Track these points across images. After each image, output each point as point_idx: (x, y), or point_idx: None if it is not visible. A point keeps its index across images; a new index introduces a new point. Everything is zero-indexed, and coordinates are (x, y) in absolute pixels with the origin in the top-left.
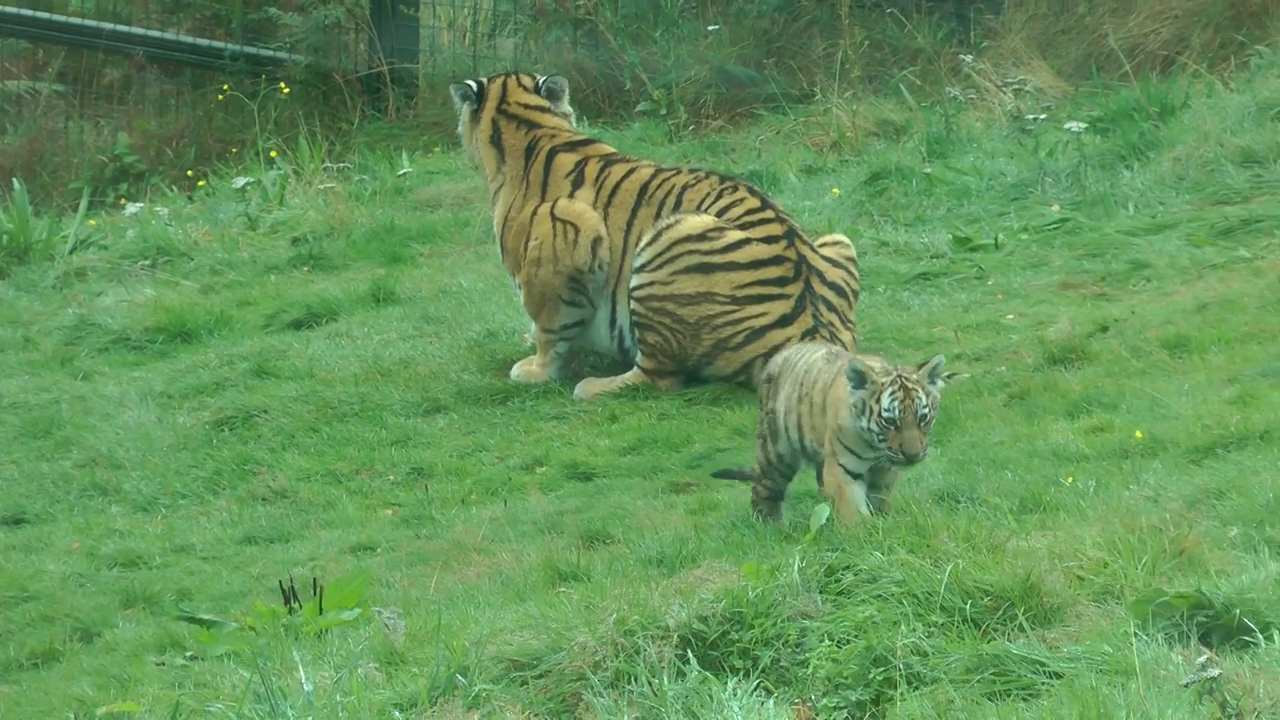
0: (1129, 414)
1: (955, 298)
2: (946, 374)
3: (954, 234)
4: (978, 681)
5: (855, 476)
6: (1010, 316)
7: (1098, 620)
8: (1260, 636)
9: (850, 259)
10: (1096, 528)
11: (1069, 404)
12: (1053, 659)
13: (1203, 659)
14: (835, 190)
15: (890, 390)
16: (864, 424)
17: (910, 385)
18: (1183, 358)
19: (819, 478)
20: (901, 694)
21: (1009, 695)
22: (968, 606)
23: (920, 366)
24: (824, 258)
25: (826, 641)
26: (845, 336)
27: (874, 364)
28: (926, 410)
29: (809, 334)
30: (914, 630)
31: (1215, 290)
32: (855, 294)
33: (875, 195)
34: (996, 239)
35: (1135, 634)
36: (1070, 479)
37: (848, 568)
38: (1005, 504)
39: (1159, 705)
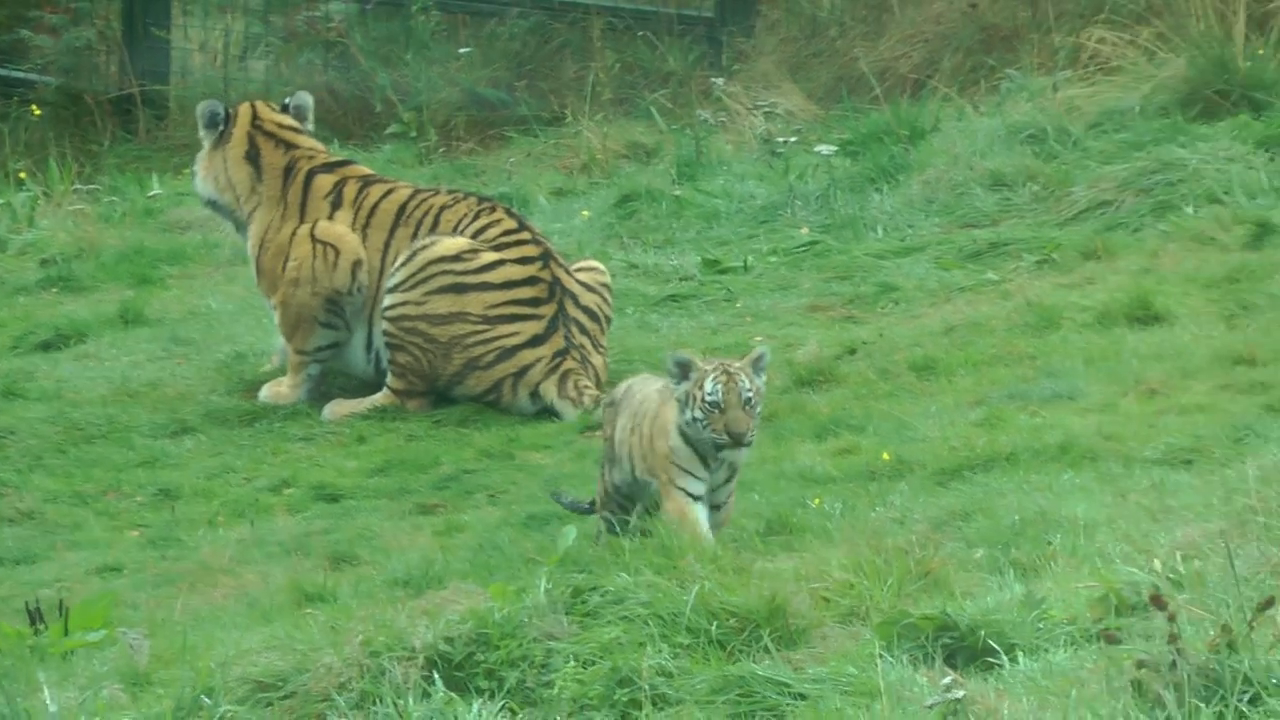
0: (876, 436)
1: (704, 320)
2: None
3: (703, 256)
4: (723, 702)
5: (696, 498)
6: (759, 339)
7: (843, 641)
8: (1005, 658)
9: (604, 285)
10: (843, 549)
11: (816, 426)
12: (798, 680)
13: (947, 680)
14: (585, 213)
15: (713, 375)
16: (689, 415)
17: (732, 371)
18: (930, 380)
19: (661, 508)
20: (647, 715)
21: (754, 716)
22: (714, 628)
23: (743, 358)
24: (579, 282)
25: (572, 663)
26: (597, 360)
27: (694, 357)
28: (750, 394)
29: (560, 355)
30: (660, 651)
31: (963, 313)
32: (608, 319)
33: (625, 217)
34: (745, 261)
35: (880, 655)
36: (817, 501)
37: (594, 589)
38: (752, 526)
39: None
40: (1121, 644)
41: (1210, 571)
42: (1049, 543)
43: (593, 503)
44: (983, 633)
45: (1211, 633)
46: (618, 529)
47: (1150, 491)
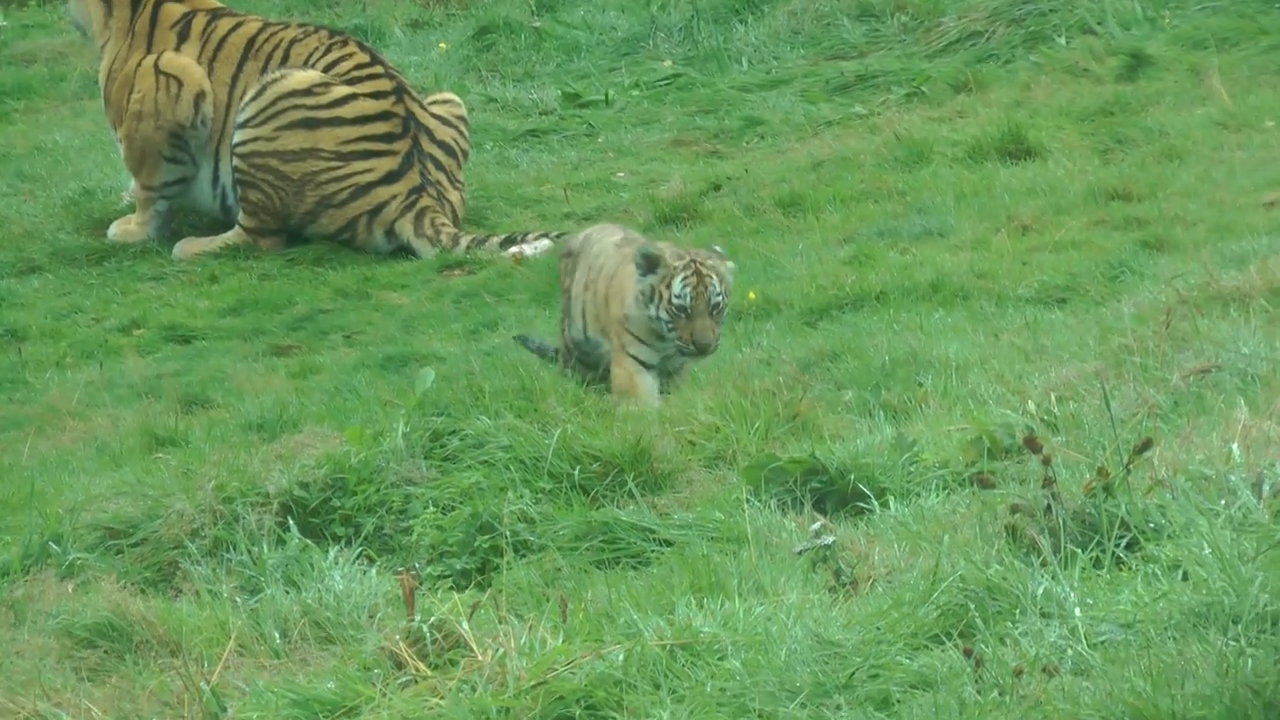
0: (742, 275)
1: (565, 155)
2: (555, 232)
3: (564, 90)
4: (586, 549)
5: (647, 367)
6: (621, 174)
7: (710, 486)
8: (875, 503)
9: (461, 118)
10: (709, 392)
11: None
12: (663, 526)
13: (816, 526)
14: (442, 45)
15: (683, 275)
16: (652, 312)
17: (704, 270)
18: (797, 217)
19: (607, 372)
20: (508, 562)
21: (618, 563)
22: (576, 472)
23: (714, 253)
24: (434, 115)
25: (431, 509)
26: (454, 197)
27: (664, 249)
28: (720, 299)
29: (416, 191)
30: (521, 497)
31: (831, 148)
32: (465, 154)
33: (483, 50)
34: (607, 95)
35: (747, 500)
36: None
37: (454, 433)
38: None
39: (772, 573)
40: (995, 488)
41: (1086, 413)
42: (920, 384)
43: (558, 350)
44: (853, 477)
45: (1087, 476)
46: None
47: (1024, 331)
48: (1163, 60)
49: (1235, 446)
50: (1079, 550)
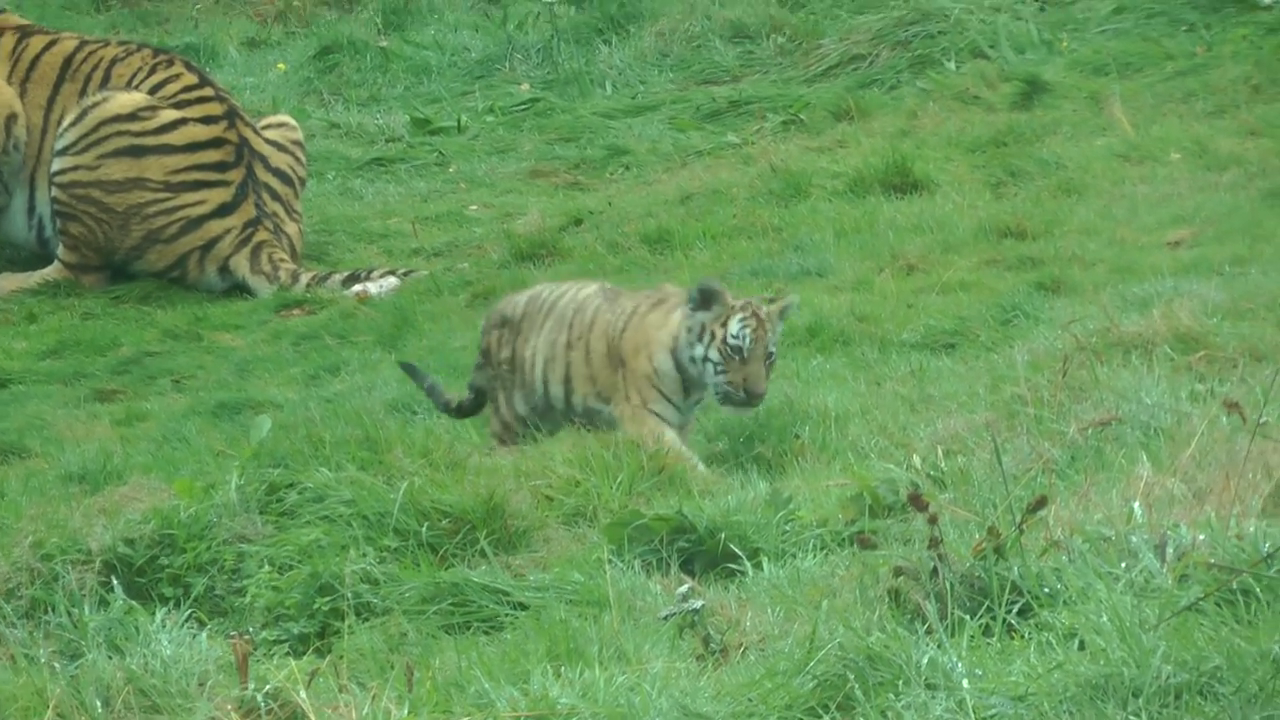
0: None
1: (413, 186)
2: (402, 270)
3: (412, 115)
4: (435, 612)
5: (668, 424)
6: (474, 207)
7: (568, 545)
8: (747, 564)
9: (297, 143)
10: (568, 443)
11: None
12: (518, 588)
13: (684, 589)
14: (281, 65)
15: (740, 316)
16: (699, 352)
17: (762, 315)
18: (664, 254)
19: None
20: (350, 626)
21: (469, 628)
22: (424, 529)
23: (772, 301)
24: (268, 141)
25: (267, 568)
26: (291, 229)
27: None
28: (774, 347)
29: (251, 225)
30: (364, 555)
31: (701, 179)
32: (302, 181)
33: (325, 71)
34: (459, 121)
35: (609, 561)
36: None
37: (292, 485)
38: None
39: (635, 639)
40: (877, 549)
41: (976, 468)
42: (797, 436)
43: (459, 405)
44: (723, 536)
45: (977, 536)
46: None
47: (909, 379)
48: (1060, 87)
49: (1137, 505)
50: (967, 617)
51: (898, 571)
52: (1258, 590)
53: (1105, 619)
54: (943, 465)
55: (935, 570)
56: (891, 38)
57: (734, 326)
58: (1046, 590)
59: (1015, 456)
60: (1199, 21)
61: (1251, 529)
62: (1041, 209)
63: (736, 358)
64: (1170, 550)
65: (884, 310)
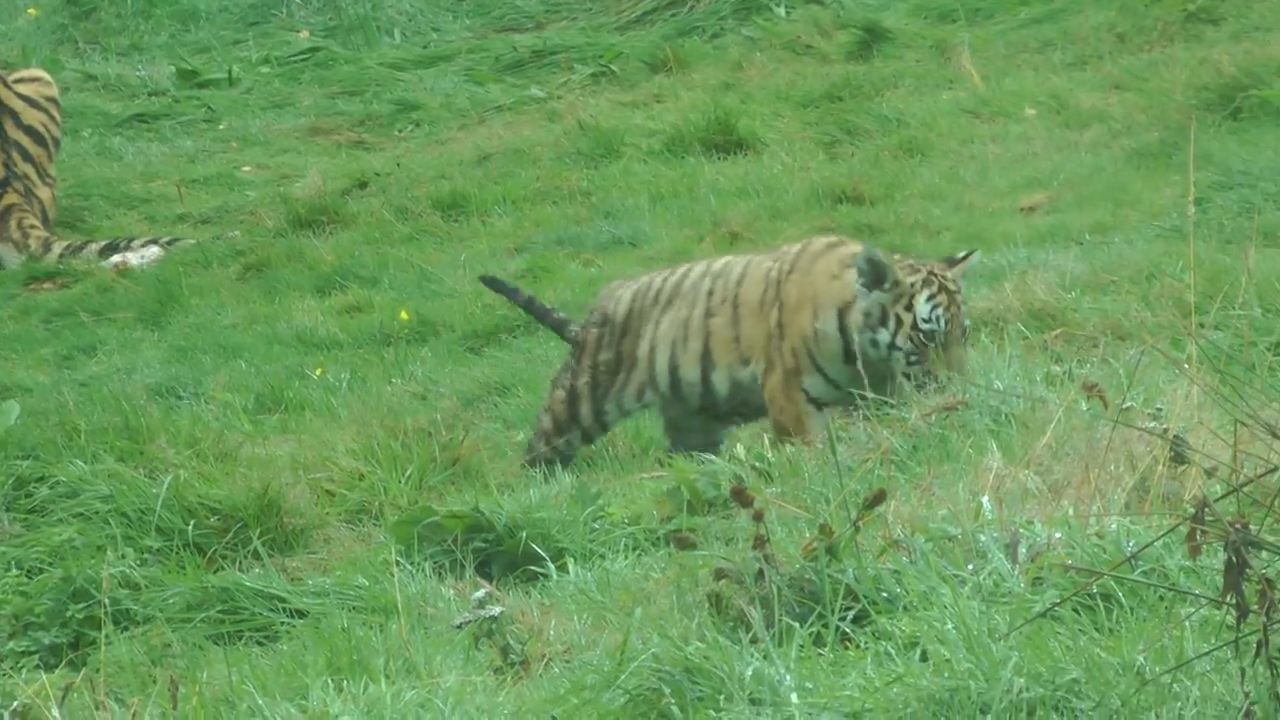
0: (393, 290)
1: (179, 145)
2: (165, 238)
3: (178, 66)
4: (202, 620)
5: (817, 405)
6: (247, 169)
7: (352, 545)
8: (551, 566)
9: (52, 99)
10: (351, 431)
11: (319, 278)
12: (295, 593)
13: (480, 594)
14: (32, 11)
15: (928, 294)
16: (883, 338)
17: (951, 288)
18: (460, 221)
19: (769, 412)
20: (107, 636)
21: (240, 638)
22: (190, 528)
23: (950, 262)
24: (19, 96)
25: (14, 571)
26: (43, 193)
27: (890, 258)
28: (968, 322)
29: (0, 186)
30: (123, 557)
31: (500, 138)
32: (56, 142)
33: (81, 18)
34: (231, 73)
35: (397, 563)
36: (319, 371)
37: (42, 479)
38: (238, 401)
39: (426, 650)
40: (696, 549)
41: (806, 459)
42: None
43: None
44: (524, 535)
45: (808, 535)
46: (566, 461)
47: None
48: (902, 35)
49: (986, 500)
50: (797, 624)
51: (719, 574)
52: (1120, 595)
53: (950, 626)
54: (769, 456)
55: (761, 573)
56: None
57: (923, 308)
58: (885, 595)
59: (851, 446)
60: None
61: (1113, 527)
62: (881, 171)
63: (932, 344)
64: (1023, 550)
65: None
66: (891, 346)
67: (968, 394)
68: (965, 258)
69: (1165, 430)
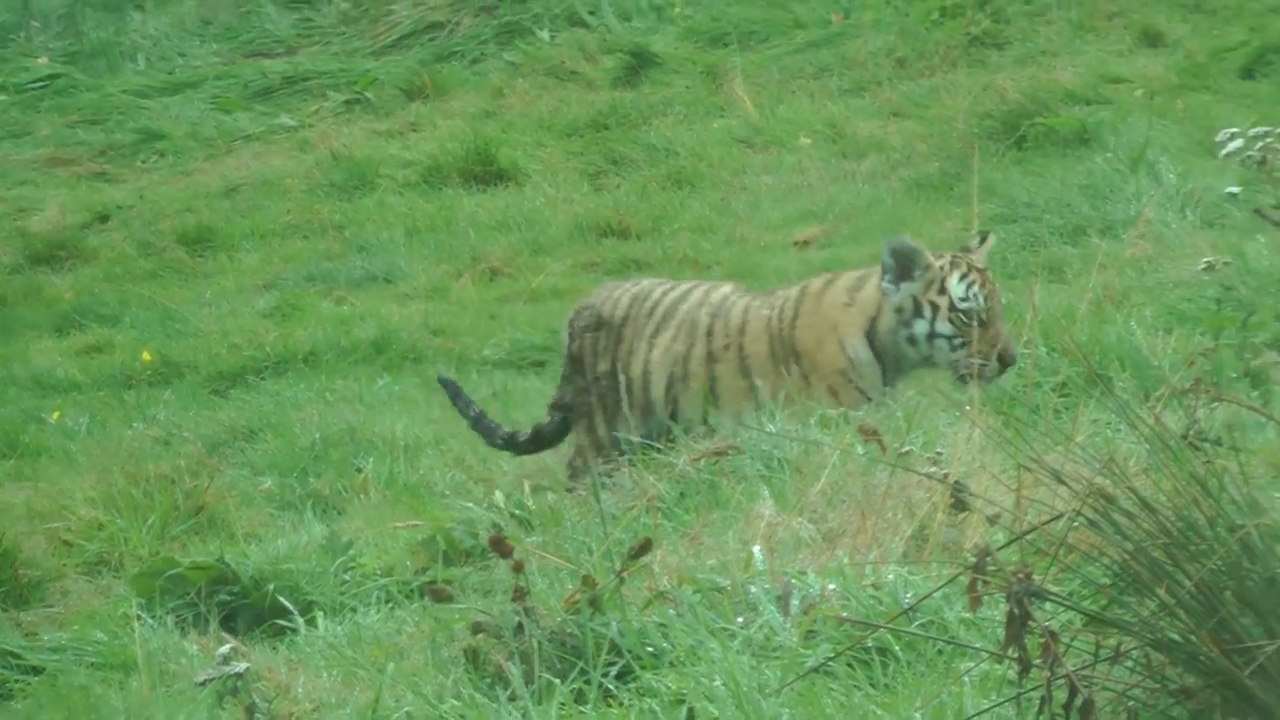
0: (135, 330)
1: None
2: None
3: None
4: None
5: None
6: None
7: (90, 599)
8: (300, 620)
9: None
10: (90, 478)
11: (57, 316)
12: (30, 649)
13: (225, 650)
14: None
15: (959, 273)
16: (922, 329)
17: (982, 268)
18: (205, 256)
19: None
20: None
21: None
22: None
23: (967, 250)
24: None
25: None
26: None
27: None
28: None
29: None
30: None
31: (249, 168)
32: None
33: None
34: None
35: (138, 616)
36: (57, 414)
37: None
38: None
39: (168, 709)
40: (453, 601)
41: (569, 507)
42: (359, 469)
43: (532, 435)
44: (271, 587)
45: (570, 587)
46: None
47: (492, 402)
48: (672, 60)
49: (757, 549)
50: (558, 681)
51: (476, 628)
52: (897, 648)
53: (719, 682)
54: (530, 503)
55: (520, 626)
56: (475, 2)
57: (958, 288)
58: (650, 649)
59: (615, 493)
60: None
61: (890, 577)
62: (648, 203)
63: (974, 322)
64: (795, 602)
65: (463, 322)
66: (932, 336)
67: (739, 439)
68: (984, 241)
69: (945, 475)
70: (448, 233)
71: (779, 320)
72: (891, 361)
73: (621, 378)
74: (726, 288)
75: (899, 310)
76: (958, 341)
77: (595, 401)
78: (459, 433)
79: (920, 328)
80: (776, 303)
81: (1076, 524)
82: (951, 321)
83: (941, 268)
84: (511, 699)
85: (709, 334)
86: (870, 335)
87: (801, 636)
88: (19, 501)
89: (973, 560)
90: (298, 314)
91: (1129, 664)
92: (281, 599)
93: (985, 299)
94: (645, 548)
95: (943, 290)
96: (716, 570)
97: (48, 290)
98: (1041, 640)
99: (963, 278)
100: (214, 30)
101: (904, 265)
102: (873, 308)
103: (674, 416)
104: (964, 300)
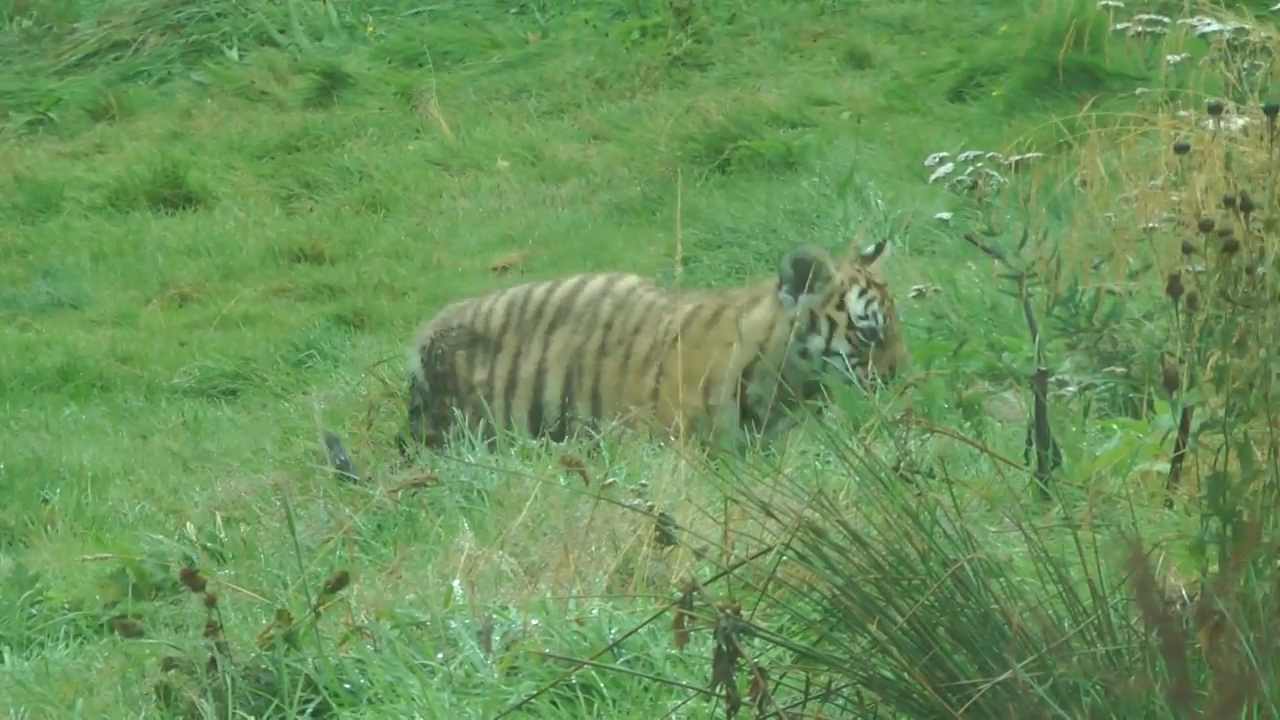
0: None
1: None
2: None
3: None
4: None
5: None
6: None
7: None
8: None
9: None
10: None
11: None
12: None
13: None
14: None
15: (858, 289)
16: (817, 345)
17: (879, 282)
18: None
19: None
20: None
21: None
22: None
23: (865, 259)
24: None
25: None
26: None
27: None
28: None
29: None
30: None
31: None
32: None
33: None
34: None
35: None
36: None
37: None
38: None
39: None
40: (143, 636)
41: (263, 539)
42: (45, 500)
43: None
44: None
45: (264, 621)
46: None
47: (181, 432)
48: (365, 80)
49: (457, 584)
50: (252, 718)
51: (167, 664)
52: (602, 686)
53: (418, 719)
54: (223, 536)
55: (213, 662)
56: (161, 20)
57: (856, 305)
58: (348, 686)
59: (311, 525)
60: (533, 2)
61: (595, 612)
62: (342, 227)
63: (872, 342)
64: (497, 638)
65: (151, 349)
66: (827, 353)
67: (439, 470)
68: (879, 251)
69: (650, 508)
70: (136, 257)
71: (660, 332)
72: (770, 383)
73: (499, 385)
74: (625, 283)
75: (798, 323)
76: (854, 361)
77: (473, 412)
78: (148, 462)
79: (815, 344)
80: (671, 313)
81: (786, 558)
82: (849, 340)
83: (844, 283)
84: None
85: (590, 326)
86: (751, 365)
87: (503, 673)
88: None
89: (679, 595)
90: None
91: (840, 701)
92: None
93: (884, 317)
94: (342, 581)
95: (841, 306)
96: (416, 605)
97: None
98: (750, 677)
99: (864, 295)
100: None
101: (803, 277)
102: (762, 332)
103: (565, 423)
104: (864, 318)
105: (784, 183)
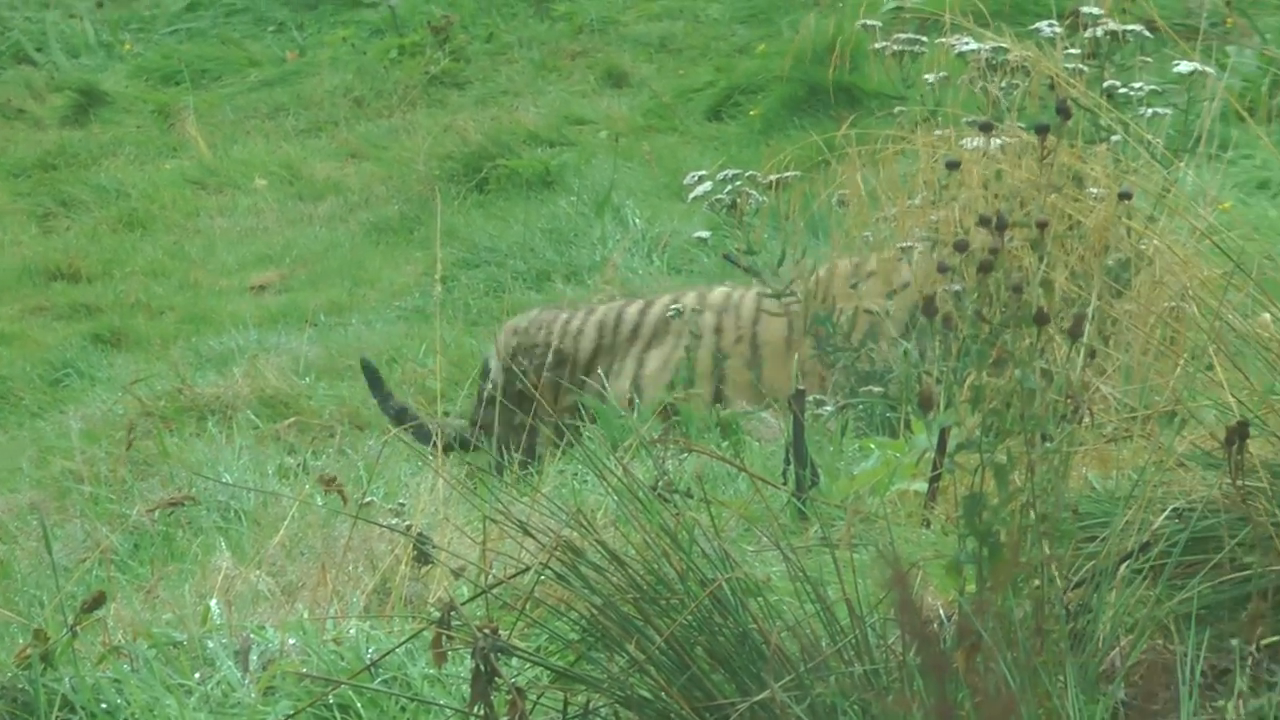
0: None
1: None
2: None
3: None
4: None
5: None
6: None
7: None
8: None
9: None
10: None
11: None
12: None
13: None
14: None
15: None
16: None
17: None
18: None
19: None
20: None
21: None
22: None
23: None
24: None
25: None
26: None
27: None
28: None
29: None
30: None
31: None
32: None
33: None
34: None
35: None
36: None
37: None
38: None
39: None
40: None
41: (19, 559)
42: None
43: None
44: None
45: (21, 641)
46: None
47: None
48: (122, 98)
49: (215, 603)
50: None
51: None
52: (359, 706)
53: None
54: None
55: None
56: None
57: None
58: (105, 706)
59: (68, 545)
60: (290, 20)
61: (352, 631)
62: (99, 246)
63: None
64: (254, 657)
65: None
66: None
67: (196, 489)
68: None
69: (408, 527)
70: None
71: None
72: None
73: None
74: (723, 287)
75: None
76: None
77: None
78: None
79: None
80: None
81: (544, 577)
82: None
83: None
84: None
85: (718, 331)
86: None
87: (261, 693)
88: None
89: (437, 615)
90: None
91: None
92: None
93: None
94: (99, 601)
95: None
96: (173, 624)
97: None
98: (508, 697)
99: None
100: None
101: None
102: None
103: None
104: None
105: (542, 201)
